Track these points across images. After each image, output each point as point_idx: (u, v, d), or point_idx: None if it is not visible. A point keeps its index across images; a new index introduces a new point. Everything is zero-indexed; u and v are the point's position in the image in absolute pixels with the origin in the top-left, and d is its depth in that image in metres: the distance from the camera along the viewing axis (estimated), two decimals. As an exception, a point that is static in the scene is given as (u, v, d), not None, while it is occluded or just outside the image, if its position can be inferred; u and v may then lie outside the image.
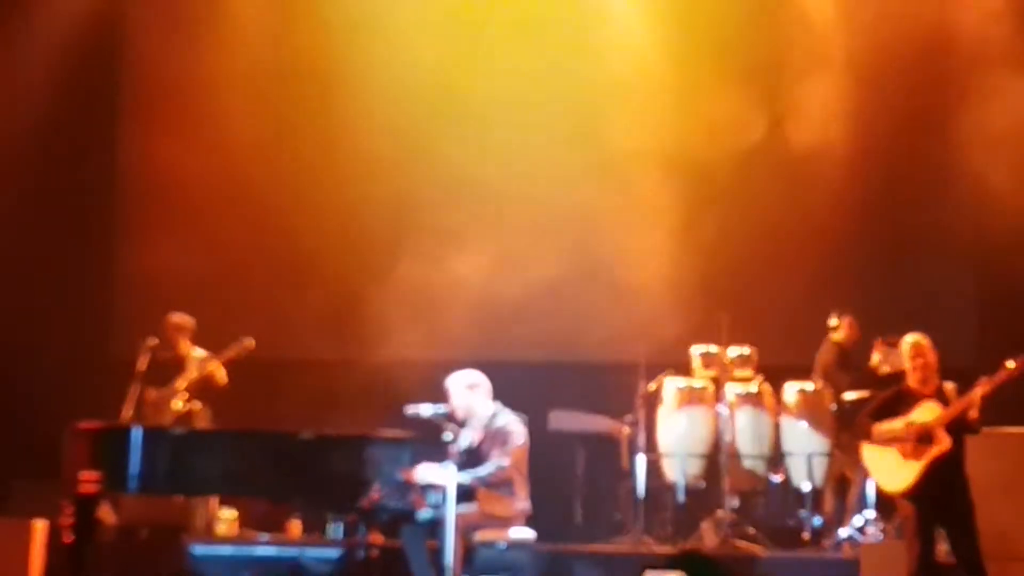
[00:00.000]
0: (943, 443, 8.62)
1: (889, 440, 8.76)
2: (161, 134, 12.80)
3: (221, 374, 10.97)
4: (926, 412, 8.70)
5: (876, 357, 10.89)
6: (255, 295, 12.64)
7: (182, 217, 12.77)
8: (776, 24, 12.52)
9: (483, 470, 9.21)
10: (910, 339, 8.87)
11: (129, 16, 12.93)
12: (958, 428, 8.65)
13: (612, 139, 12.46)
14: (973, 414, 8.61)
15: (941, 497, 8.64)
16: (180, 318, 11.22)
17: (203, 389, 11.00)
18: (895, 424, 8.75)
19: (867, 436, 8.91)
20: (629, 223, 12.26)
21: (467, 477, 9.07)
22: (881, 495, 9.67)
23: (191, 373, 10.98)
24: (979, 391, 8.56)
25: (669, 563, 7.05)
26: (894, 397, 8.91)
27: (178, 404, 10.87)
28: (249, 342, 10.83)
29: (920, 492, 8.69)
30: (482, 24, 12.79)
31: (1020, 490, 9.48)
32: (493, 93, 12.67)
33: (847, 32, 12.36)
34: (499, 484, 9.25)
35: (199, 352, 11.15)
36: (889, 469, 8.82)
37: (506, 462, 9.22)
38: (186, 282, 12.34)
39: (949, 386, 8.76)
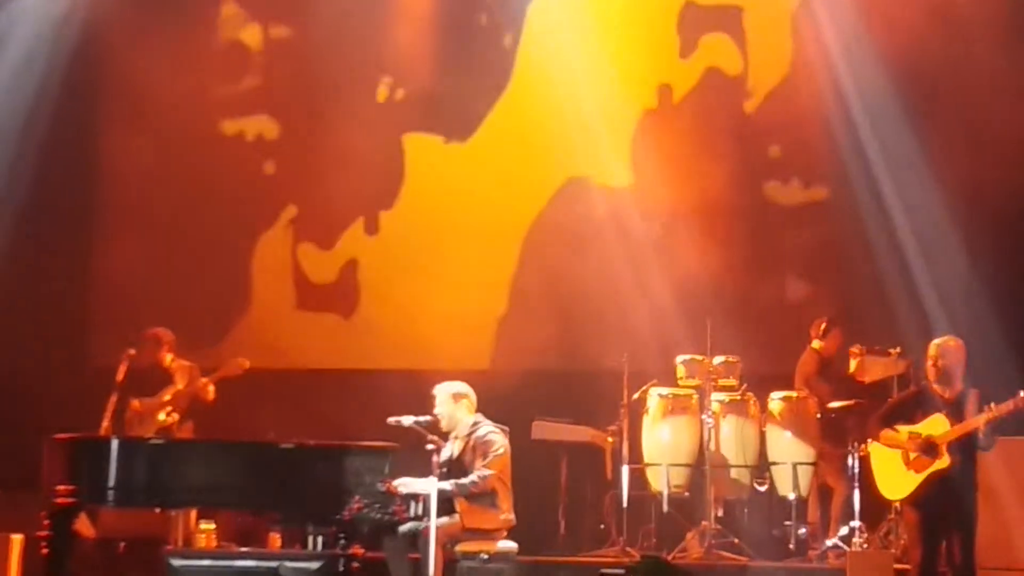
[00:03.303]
0: (942, 461, 8.62)
1: (893, 447, 8.76)
2: (140, 140, 12.75)
3: (209, 392, 10.85)
4: (934, 425, 8.69)
5: (853, 364, 10.86)
6: (236, 304, 12.59)
7: (161, 224, 12.71)
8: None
9: (465, 480, 9.16)
10: (936, 340, 8.91)
11: (108, 21, 12.80)
12: (966, 444, 8.61)
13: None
14: (995, 437, 8.62)
15: (947, 506, 8.64)
16: (159, 331, 11.09)
17: (189, 402, 10.89)
18: (900, 435, 8.75)
19: (875, 438, 8.96)
20: (613, 232, 12.21)
21: (449, 487, 9.01)
22: (875, 502, 9.66)
23: (177, 386, 10.87)
24: (986, 417, 8.54)
25: (628, 571, 7.01)
26: (912, 399, 8.96)
27: (162, 416, 10.77)
28: (242, 362, 10.74)
29: (923, 500, 8.67)
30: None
31: (1018, 499, 9.47)
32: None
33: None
34: (481, 495, 9.20)
35: (182, 363, 11.04)
36: (890, 474, 8.87)
37: (488, 472, 9.16)
38: (165, 290, 12.30)
39: (974, 393, 8.71)
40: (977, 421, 8.58)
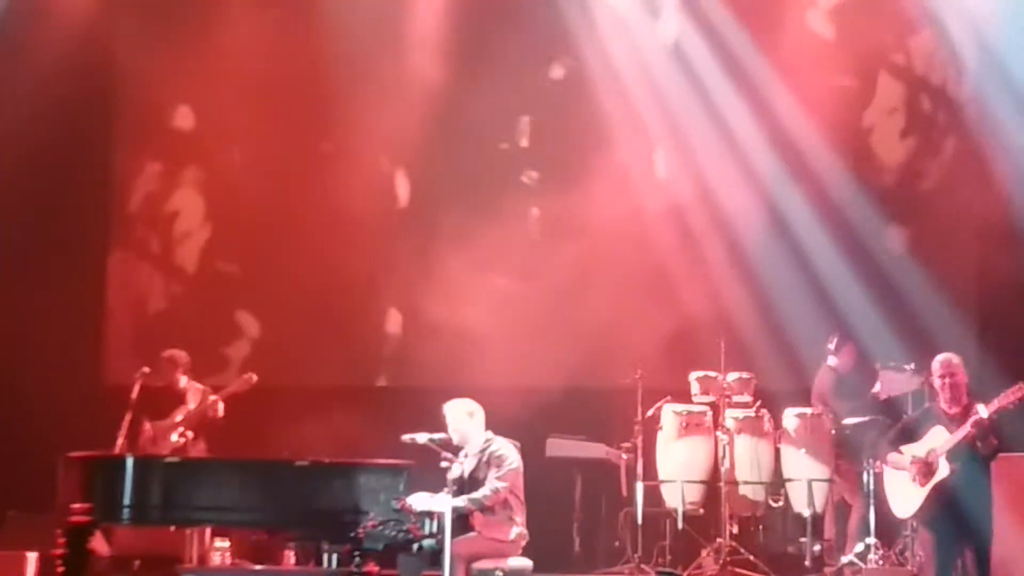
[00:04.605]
0: (941, 471, 8.58)
1: (899, 469, 8.77)
2: (154, 159, 12.80)
3: (218, 409, 10.86)
4: (934, 439, 8.65)
5: (879, 385, 10.86)
6: (250, 322, 12.60)
7: (175, 244, 12.74)
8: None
9: (479, 493, 9.15)
10: (940, 357, 8.85)
11: (121, 38, 12.84)
12: (967, 454, 8.57)
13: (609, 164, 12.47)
14: (991, 440, 8.53)
15: (957, 522, 8.58)
16: (174, 353, 11.10)
17: (200, 422, 10.91)
18: (903, 457, 8.74)
19: (883, 461, 8.98)
20: (627, 248, 12.22)
21: (463, 501, 9.01)
22: (891, 519, 9.64)
23: (187, 406, 10.88)
24: (974, 419, 8.50)
25: None
26: (919, 418, 8.93)
27: (175, 437, 10.77)
28: (250, 377, 10.75)
29: (932, 515, 8.64)
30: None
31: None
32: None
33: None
34: (495, 507, 9.19)
35: (196, 385, 11.06)
36: (900, 494, 8.85)
37: (501, 484, 9.16)
38: (180, 310, 12.32)
39: (981, 407, 8.67)
40: (970, 424, 8.51)
